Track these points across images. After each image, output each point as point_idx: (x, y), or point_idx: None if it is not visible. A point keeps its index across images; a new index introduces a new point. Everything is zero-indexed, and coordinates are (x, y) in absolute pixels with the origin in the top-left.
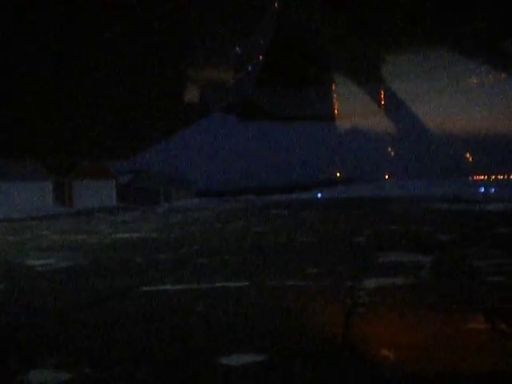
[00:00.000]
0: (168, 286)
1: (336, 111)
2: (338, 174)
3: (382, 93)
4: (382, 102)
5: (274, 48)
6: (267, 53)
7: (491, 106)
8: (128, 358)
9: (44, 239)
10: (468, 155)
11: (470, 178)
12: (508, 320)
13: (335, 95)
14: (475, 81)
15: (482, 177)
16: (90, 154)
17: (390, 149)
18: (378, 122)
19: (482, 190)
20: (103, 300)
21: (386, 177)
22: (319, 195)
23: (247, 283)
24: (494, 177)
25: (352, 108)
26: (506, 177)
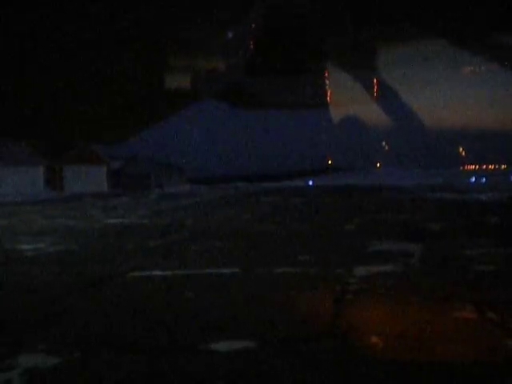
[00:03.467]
0: (158, 272)
1: (329, 99)
2: (330, 162)
3: (376, 82)
4: (376, 91)
5: (265, 35)
6: (259, 40)
7: (484, 96)
8: (117, 344)
9: (34, 224)
10: (460, 145)
11: (462, 168)
12: (497, 309)
13: (328, 83)
14: (468, 70)
15: (474, 167)
16: (82, 139)
17: (382, 138)
18: (370, 110)
19: (473, 179)
20: (92, 285)
21: (378, 165)
22: (310, 183)
23: (237, 270)
24: (485, 167)
25: (345, 96)
26: (496, 167)
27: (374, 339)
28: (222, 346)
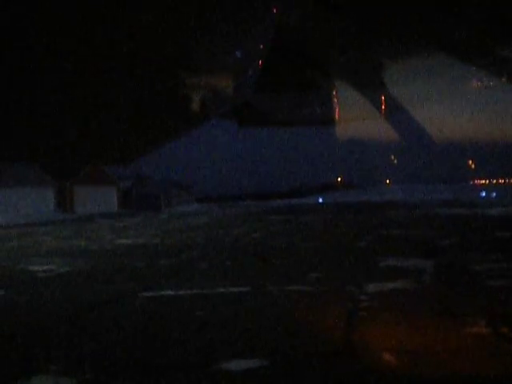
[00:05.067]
0: (169, 292)
1: (337, 116)
2: (339, 179)
3: (383, 98)
4: (383, 107)
5: (273, 53)
6: (266, 58)
7: (492, 110)
8: (129, 364)
9: (45, 245)
10: (469, 160)
11: (472, 183)
12: (509, 324)
13: (336, 100)
14: (475, 85)
15: (483, 181)
16: (91, 159)
17: (390, 154)
18: (379, 127)
19: (483, 194)
20: (104, 305)
21: (387, 181)
22: (320, 200)
23: (248, 288)
24: (495, 181)
25: (353, 113)
26: (506, 181)
27: (387, 356)
28: (233, 364)
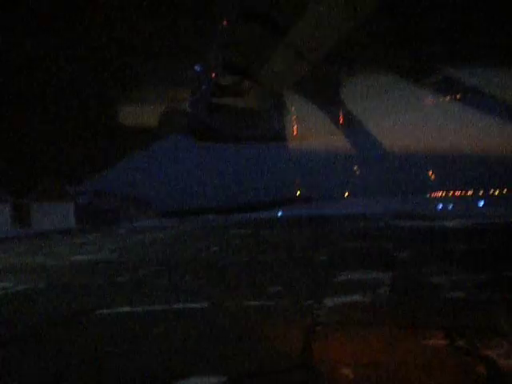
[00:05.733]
0: (126, 308)
1: (295, 131)
2: (298, 193)
3: (340, 112)
4: (340, 123)
5: (226, 70)
6: (218, 74)
7: (446, 125)
8: (85, 382)
9: (1, 262)
10: (426, 172)
11: (428, 195)
12: (467, 336)
13: (294, 116)
14: (430, 101)
15: (440, 193)
16: (48, 175)
17: (349, 167)
18: (336, 141)
19: (440, 206)
20: (60, 323)
21: (346, 195)
22: (279, 213)
23: (206, 304)
24: (451, 193)
25: (311, 128)
26: (463, 193)
27: (346, 370)
28: (191, 381)
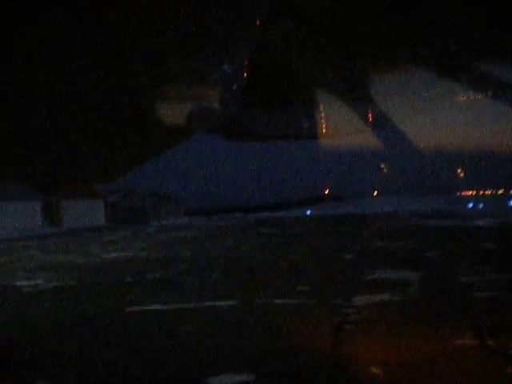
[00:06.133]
0: (156, 306)
1: (324, 129)
2: (327, 191)
3: (370, 111)
4: (370, 120)
5: (258, 68)
6: (252, 73)
7: (478, 123)
8: (115, 379)
9: (32, 260)
10: (457, 171)
11: (459, 194)
12: (496, 335)
13: (323, 114)
14: (462, 98)
15: (471, 192)
16: (78, 174)
17: (378, 166)
18: (366, 139)
19: (471, 205)
20: (90, 320)
21: (375, 193)
22: (308, 212)
23: (235, 302)
24: (481, 192)
25: (340, 126)
26: (494, 192)
27: (374, 368)
28: (221, 379)
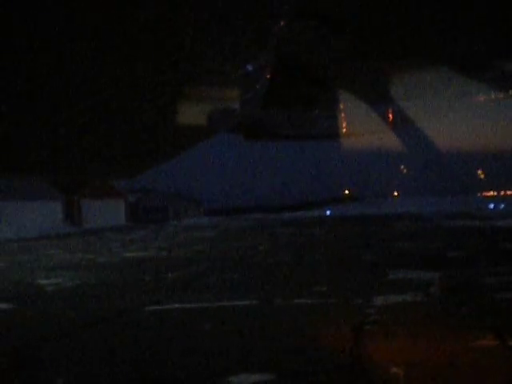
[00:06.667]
0: (176, 305)
1: (344, 129)
2: (347, 192)
3: (390, 111)
4: (390, 121)
5: (279, 68)
6: (273, 74)
7: (498, 123)
8: (136, 379)
9: (53, 258)
10: (478, 171)
11: (480, 195)
12: None
13: (343, 114)
14: (482, 98)
15: (492, 193)
16: (99, 173)
17: (398, 166)
18: (386, 139)
19: (492, 206)
20: (110, 319)
21: (395, 194)
22: (328, 212)
23: (255, 302)
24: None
25: (360, 126)
26: None
27: (395, 369)
28: (240, 378)
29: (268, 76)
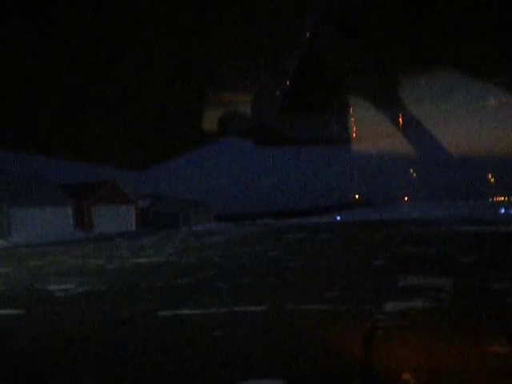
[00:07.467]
0: (186, 311)
1: (354, 134)
2: (357, 197)
3: (400, 115)
4: (400, 125)
5: (299, 75)
6: (292, 80)
7: (510, 127)
8: (147, 383)
9: (63, 264)
10: (489, 176)
11: (491, 200)
12: None
13: (353, 119)
14: (493, 102)
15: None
16: (110, 179)
17: (408, 171)
18: (396, 144)
19: (503, 211)
20: (121, 324)
21: (405, 199)
22: (338, 218)
23: (265, 307)
24: None
25: (370, 131)
26: None
27: (406, 375)
28: None
29: (287, 83)
